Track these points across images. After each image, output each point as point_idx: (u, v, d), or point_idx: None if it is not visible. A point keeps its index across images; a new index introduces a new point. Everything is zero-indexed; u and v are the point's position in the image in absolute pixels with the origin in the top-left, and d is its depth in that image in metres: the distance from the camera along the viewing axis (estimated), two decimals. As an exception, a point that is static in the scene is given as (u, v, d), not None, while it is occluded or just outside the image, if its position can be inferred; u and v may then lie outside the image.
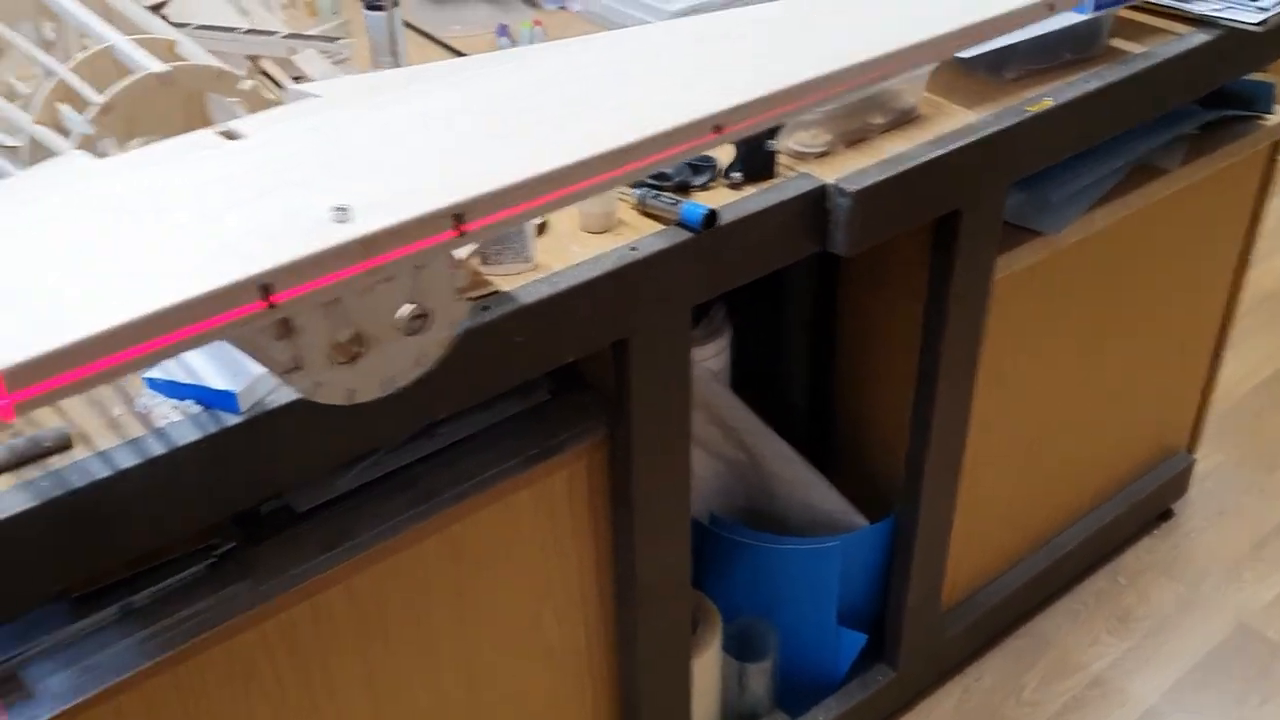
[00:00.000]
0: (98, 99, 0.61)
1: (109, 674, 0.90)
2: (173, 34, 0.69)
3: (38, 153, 0.65)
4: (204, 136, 0.58)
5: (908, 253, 1.32)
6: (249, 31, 1.06)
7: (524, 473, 1.10)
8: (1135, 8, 1.41)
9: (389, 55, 1.33)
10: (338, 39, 1.02)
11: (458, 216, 0.53)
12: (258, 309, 0.49)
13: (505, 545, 1.12)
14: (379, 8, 1.33)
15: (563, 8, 1.50)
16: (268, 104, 0.66)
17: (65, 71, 0.64)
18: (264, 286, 0.49)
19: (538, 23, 1.42)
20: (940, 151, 1.17)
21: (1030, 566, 1.68)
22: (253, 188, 0.53)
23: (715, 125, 0.61)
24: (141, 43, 0.66)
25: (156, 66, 0.62)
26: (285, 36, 1.07)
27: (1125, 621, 1.68)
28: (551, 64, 0.65)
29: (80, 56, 0.65)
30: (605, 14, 1.43)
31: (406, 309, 0.53)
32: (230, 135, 0.58)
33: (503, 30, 1.40)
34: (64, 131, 0.65)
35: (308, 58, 1.10)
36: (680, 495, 1.17)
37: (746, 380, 1.49)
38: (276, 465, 0.87)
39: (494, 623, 1.15)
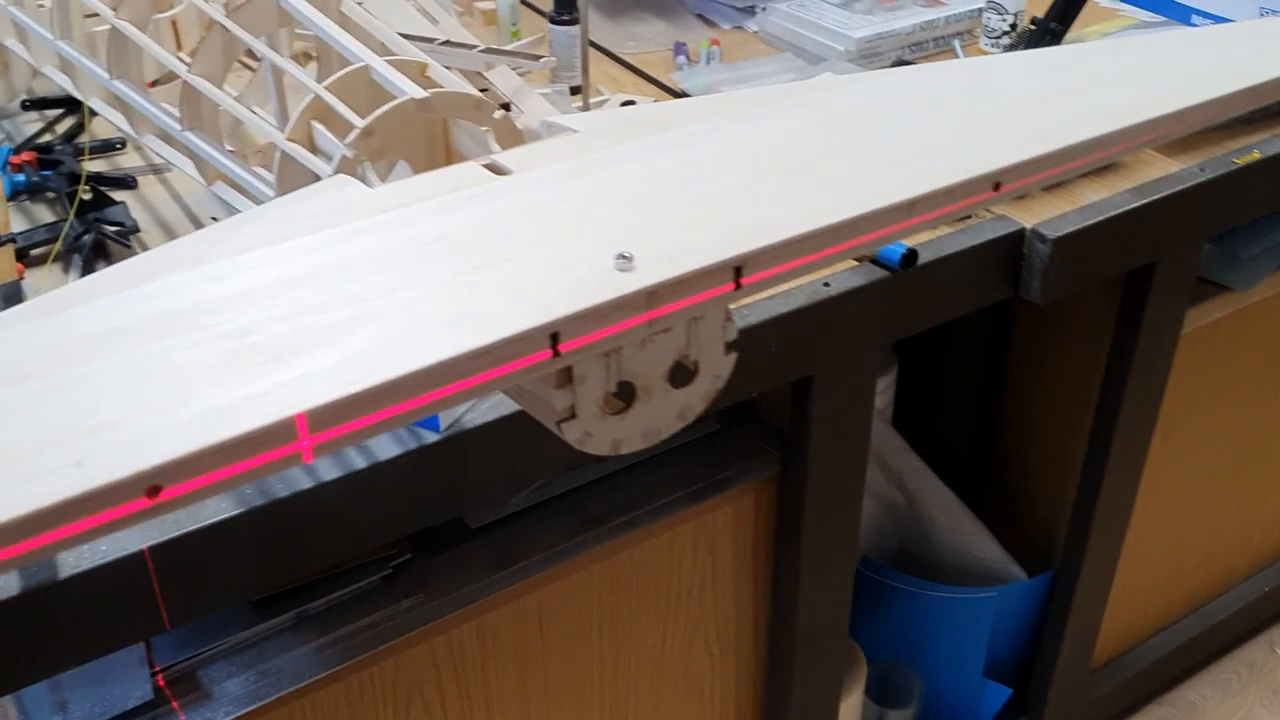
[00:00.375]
0: (359, 122, 0.61)
1: (285, 680, 0.90)
2: (424, 57, 0.68)
3: (286, 169, 0.65)
4: (471, 170, 0.57)
5: (1092, 301, 1.27)
6: (445, 43, 1.05)
7: (691, 505, 1.08)
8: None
9: (571, 71, 1.33)
10: (539, 56, 1.01)
11: (738, 269, 0.51)
12: (545, 357, 0.48)
13: (666, 576, 1.10)
14: (567, 21, 1.32)
15: (739, 27, 1.48)
16: (516, 133, 0.65)
17: (323, 90, 0.64)
18: (554, 335, 0.47)
19: (715, 42, 1.40)
20: (1141, 201, 1.12)
21: (1182, 630, 1.61)
22: (532, 230, 0.52)
23: (995, 182, 0.58)
24: (395, 64, 0.66)
25: (416, 92, 0.62)
26: (482, 51, 1.07)
27: (1280, 696, 1.60)
28: (815, 108, 0.63)
29: (336, 75, 0.65)
30: (785, 36, 1.41)
31: (678, 360, 0.51)
32: (496, 169, 0.57)
33: (680, 49, 1.39)
34: (313, 148, 0.64)
35: (500, 73, 1.09)
36: (849, 539, 1.14)
37: (907, 417, 1.45)
38: (467, 484, 0.87)
39: (647, 652, 1.13)
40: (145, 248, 1.00)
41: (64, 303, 0.49)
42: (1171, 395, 1.32)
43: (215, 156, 0.71)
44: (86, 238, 0.98)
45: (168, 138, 0.83)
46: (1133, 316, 1.22)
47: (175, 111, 0.78)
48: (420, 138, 0.64)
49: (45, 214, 1.07)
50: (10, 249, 0.98)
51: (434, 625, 0.97)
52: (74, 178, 1.09)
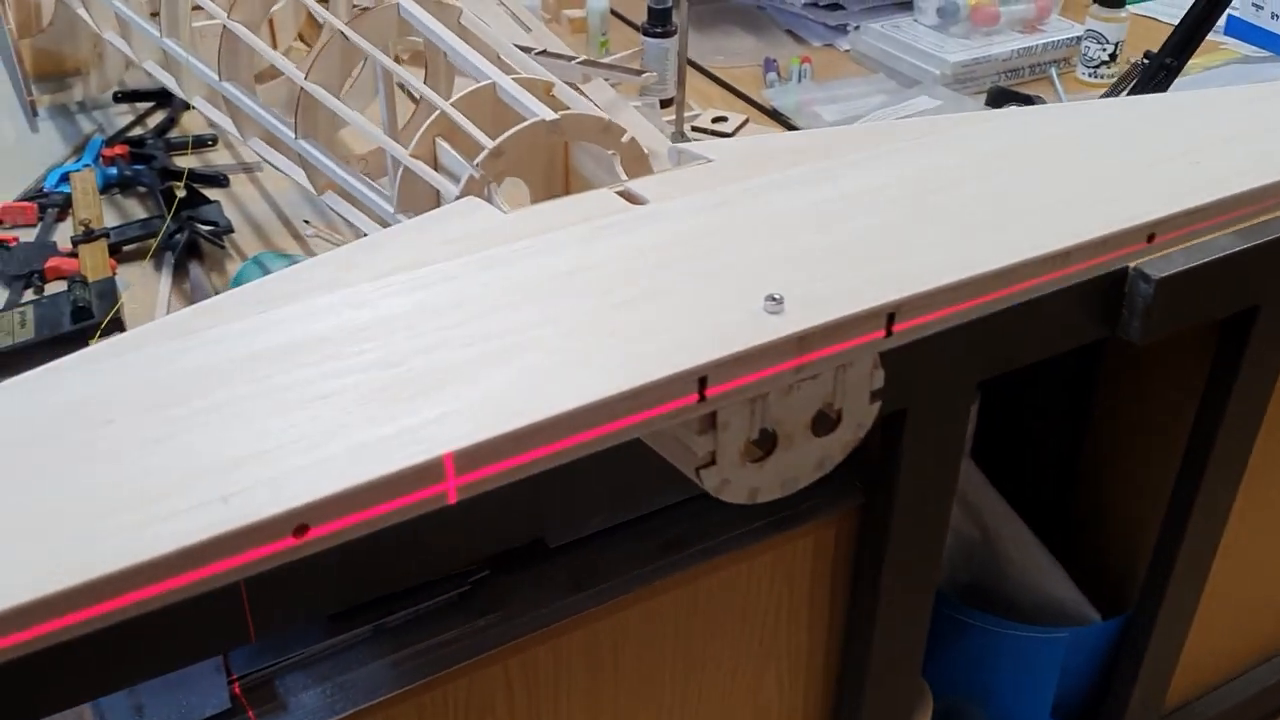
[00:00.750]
0: (489, 143, 0.59)
1: (360, 695, 0.89)
2: (550, 76, 0.67)
3: (408, 186, 0.64)
4: (606, 198, 0.55)
5: (1186, 342, 1.24)
6: (542, 53, 1.04)
7: (773, 535, 1.05)
8: None
9: (662, 84, 1.31)
10: (641, 71, 0.99)
11: (891, 315, 0.50)
12: (691, 402, 0.46)
13: (742, 605, 1.08)
14: (660, 34, 1.31)
15: (830, 45, 1.45)
16: (642, 157, 0.63)
17: (450, 108, 0.62)
18: (702, 379, 0.46)
19: (806, 60, 1.38)
20: (1248, 244, 1.09)
21: (1258, 678, 1.57)
22: (675, 265, 0.50)
23: (1150, 234, 0.56)
24: (522, 83, 0.64)
25: (546, 113, 0.60)
26: (581, 63, 1.05)
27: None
28: (960, 148, 0.61)
29: (462, 93, 0.63)
30: (877, 56, 1.38)
31: (822, 409, 0.49)
32: (631, 198, 0.56)
33: (770, 65, 1.37)
34: (435, 165, 0.63)
35: (596, 86, 1.07)
36: (929, 575, 1.12)
37: (987, 451, 1.42)
38: (559, 503, 0.85)
39: (718, 680, 1.11)
40: (238, 249, 1.00)
41: (199, 322, 0.48)
42: (1262, 441, 1.29)
43: (330, 167, 0.70)
44: (180, 236, 0.98)
45: (273, 140, 0.82)
46: (1230, 360, 1.18)
47: (284, 116, 0.76)
48: (541, 158, 0.62)
49: (136, 209, 1.07)
50: (103, 244, 0.98)
51: (510, 645, 0.95)
52: (166, 173, 1.08)
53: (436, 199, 0.64)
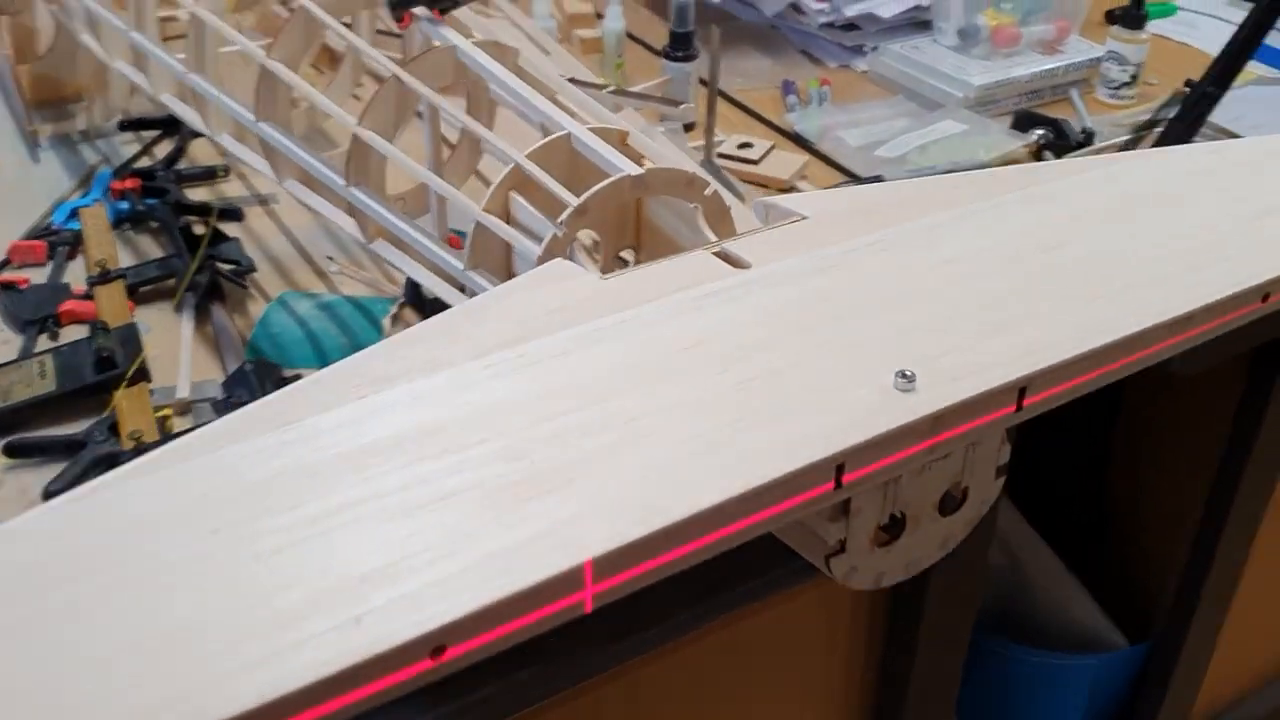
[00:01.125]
0: (572, 200, 0.56)
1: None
2: (626, 124, 0.64)
3: (481, 242, 0.60)
4: (705, 261, 0.53)
5: (1216, 370, 1.23)
6: (571, 80, 1.01)
7: (817, 574, 1.03)
8: None
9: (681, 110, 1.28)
10: (679, 103, 0.96)
11: (1022, 390, 0.47)
12: (828, 490, 0.43)
13: (783, 644, 1.05)
14: (684, 58, 1.28)
15: (846, 66, 1.43)
16: (724, 210, 0.60)
17: (524, 160, 0.59)
18: (839, 466, 0.43)
19: (825, 82, 1.35)
20: (1285, 271, 1.08)
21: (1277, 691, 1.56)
22: (793, 337, 0.48)
23: (1264, 294, 0.54)
24: (597, 133, 0.61)
25: (630, 168, 0.57)
26: (612, 92, 1.02)
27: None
28: (1060, 202, 0.58)
29: (538, 145, 0.60)
30: (896, 78, 1.36)
31: (949, 489, 0.47)
32: (731, 260, 0.53)
33: (789, 88, 1.34)
34: (507, 219, 0.60)
35: (627, 115, 1.04)
36: (969, 609, 1.10)
37: (1012, 476, 1.40)
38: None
39: (757, 718, 1.09)
40: (261, 289, 0.96)
41: (290, 410, 0.44)
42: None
43: (387, 217, 0.67)
44: (201, 277, 0.94)
45: (310, 181, 0.78)
46: (1262, 389, 1.17)
47: (314, 151, 0.73)
48: (617, 211, 0.60)
49: (150, 245, 1.02)
50: (121, 285, 0.93)
51: (551, 700, 0.92)
52: (180, 207, 1.04)
53: (508, 254, 0.61)
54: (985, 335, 0.48)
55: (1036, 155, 1.21)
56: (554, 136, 0.60)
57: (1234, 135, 1.12)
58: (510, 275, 0.62)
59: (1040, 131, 1.22)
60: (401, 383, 0.45)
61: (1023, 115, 1.26)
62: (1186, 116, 0.99)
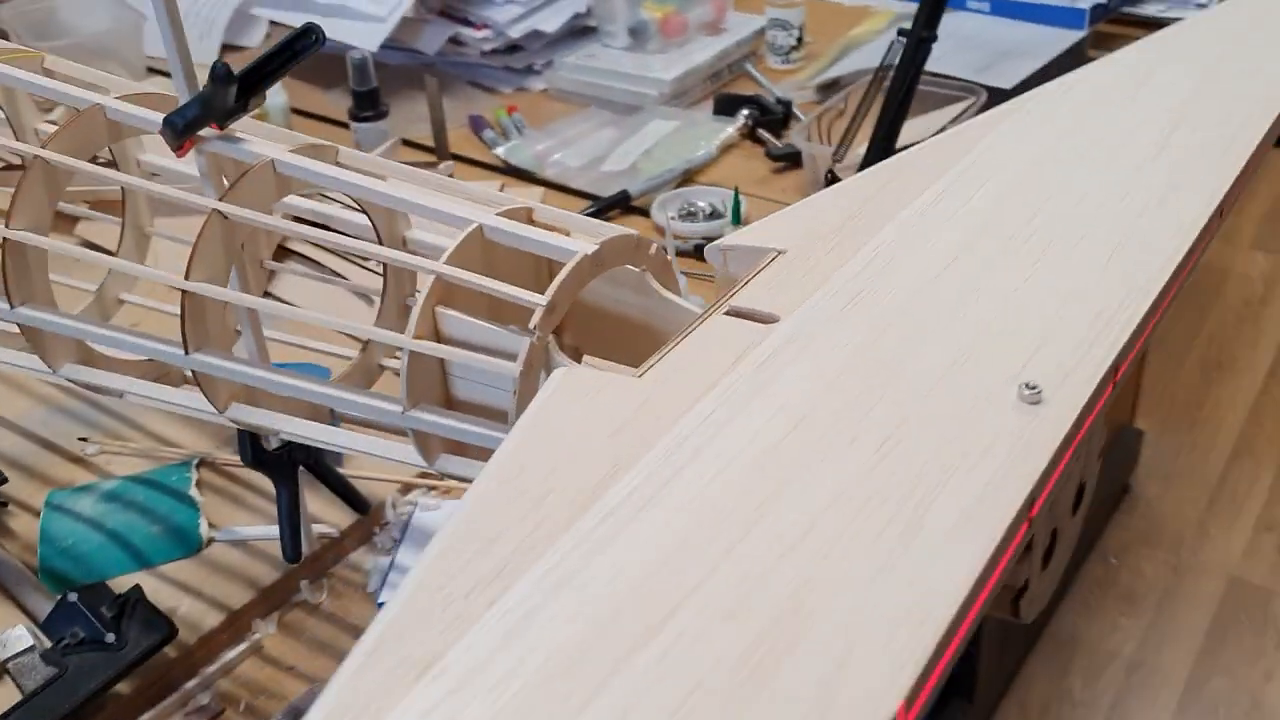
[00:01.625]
0: (539, 299, 0.48)
1: None
2: (530, 202, 0.55)
3: (417, 373, 0.51)
4: (731, 327, 0.47)
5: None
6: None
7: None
8: None
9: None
10: (441, 162, 0.87)
11: (1114, 367, 0.45)
12: (1024, 530, 0.40)
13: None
14: (374, 116, 1.18)
15: (521, 89, 1.37)
16: (667, 264, 0.54)
17: (445, 267, 0.50)
18: (1028, 501, 0.39)
19: (513, 109, 1.30)
20: None
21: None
22: (889, 383, 0.43)
23: (1220, 209, 0.56)
24: (509, 215, 0.53)
25: (583, 247, 0.50)
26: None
27: (1133, 601, 1.72)
28: (999, 169, 0.57)
29: (453, 248, 0.51)
30: (580, 90, 1.33)
31: (1080, 484, 0.44)
32: (755, 317, 0.47)
33: (479, 123, 1.27)
34: (437, 338, 0.50)
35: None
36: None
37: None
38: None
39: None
40: (20, 501, 0.78)
41: (423, 647, 0.35)
42: None
43: (246, 372, 0.55)
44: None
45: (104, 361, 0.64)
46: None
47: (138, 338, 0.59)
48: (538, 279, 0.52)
49: None
50: None
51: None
52: None
53: (444, 381, 0.52)
54: (1065, 323, 0.45)
55: (750, 135, 1.22)
56: (467, 231, 0.51)
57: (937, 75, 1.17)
58: (451, 403, 0.53)
59: (745, 111, 1.23)
60: (521, 577, 0.36)
61: (722, 99, 1.27)
62: (912, 64, 1.03)
